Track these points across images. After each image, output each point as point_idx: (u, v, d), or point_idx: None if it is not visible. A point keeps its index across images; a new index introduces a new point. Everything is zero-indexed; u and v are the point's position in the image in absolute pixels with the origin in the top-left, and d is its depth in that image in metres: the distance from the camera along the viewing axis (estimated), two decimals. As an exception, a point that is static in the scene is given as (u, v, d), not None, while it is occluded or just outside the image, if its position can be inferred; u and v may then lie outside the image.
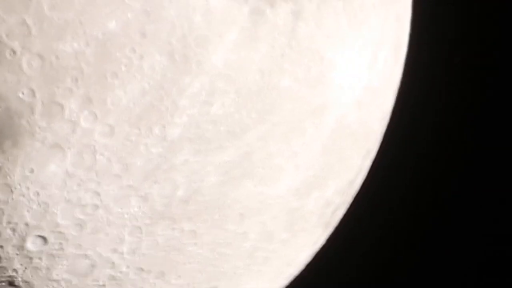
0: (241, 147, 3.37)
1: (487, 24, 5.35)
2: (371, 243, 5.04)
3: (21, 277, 3.33)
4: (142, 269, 3.45)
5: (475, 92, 5.32)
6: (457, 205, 5.54)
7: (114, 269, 3.42)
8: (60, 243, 3.27)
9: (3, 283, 3.33)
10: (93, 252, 3.34)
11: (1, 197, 3.15)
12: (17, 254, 3.26)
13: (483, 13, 5.33)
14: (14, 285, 3.34)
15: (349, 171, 3.85)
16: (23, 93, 3.05)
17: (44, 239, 3.24)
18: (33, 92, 3.05)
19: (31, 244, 3.24)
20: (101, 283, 3.43)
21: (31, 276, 3.33)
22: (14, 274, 3.31)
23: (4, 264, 3.28)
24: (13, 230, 3.21)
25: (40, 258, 3.28)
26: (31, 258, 3.27)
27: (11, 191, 3.14)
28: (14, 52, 3.01)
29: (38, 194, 3.16)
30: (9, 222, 3.19)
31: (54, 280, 3.36)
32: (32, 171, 3.12)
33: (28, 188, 3.14)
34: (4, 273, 3.31)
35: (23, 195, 3.15)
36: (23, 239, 3.23)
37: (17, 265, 3.29)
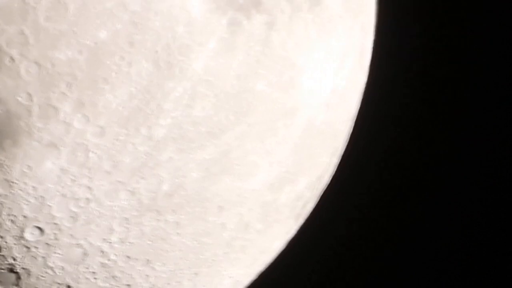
0: (220, 146, 3.39)
1: (445, 33, 5.30)
2: (339, 233, 5.00)
3: (20, 265, 3.32)
4: (129, 257, 3.45)
5: (434, 95, 5.25)
6: (418, 195, 5.47)
7: (104, 257, 3.41)
8: (55, 234, 3.28)
9: (4, 270, 3.33)
10: (85, 241, 3.34)
11: (1, 191, 3.16)
12: (16, 244, 3.27)
13: (441, 23, 5.27)
14: (14, 272, 3.33)
15: (318, 168, 3.84)
16: (21, 97, 3.07)
17: (40, 230, 3.25)
18: (30, 96, 3.07)
19: (29, 235, 3.25)
20: (92, 270, 3.42)
21: (29, 263, 3.33)
22: (13, 262, 3.31)
23: (4, 253, 3.28)
24: (12, 221, 3.22)
25: (37, 247, 3.29)
26: (28, 248, 3.28)
27: (11, 186, 3.15)
28: (13, 60, 3.02)
29: (35, 188, 3.17)
30: (8, 215, 3.20)
31: (50, 267, 3.35)
32: (29, 168, 3.13)
33: (26, 184, 3.16)
34: (4, 261, 3.31)
35: (22, 190, 3.17)
36: (22, 230, 3.24)
37: (16, 254, 3.29)
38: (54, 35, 3.06)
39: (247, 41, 3.32)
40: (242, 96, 3.37)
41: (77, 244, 3.34)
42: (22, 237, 3.27)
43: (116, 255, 3.43)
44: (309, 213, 4.04)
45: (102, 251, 3.40)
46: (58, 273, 3.39)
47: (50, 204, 3.23)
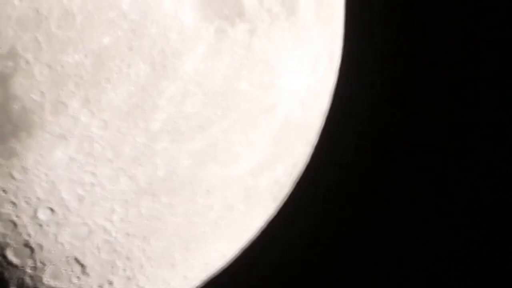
0: (208, 137, 3.39)
1: (409, 39, 5.22)
2: (312, 214, 4.96)
3: (34, 240, 3.30)
4: (128, 234, 3.43)
5: (394, 93, 5.21)
6: (386, 182, 5.41)
7: (106, 234, 3.39)
8: (64, 214, 3.27)
9: (20, 245, 3.29)
10: (91, 220, 3.33)
11: (17, 177, 3.15)
12: (30, 222, 3.26)
13: (407, 29, 5.20)
14: (29, 246, 3.31)
15: (293, 157, 3.82)
16: (35, 95, 3.07)
17: (52, 210, 3.25)
18: (43, 94, 3.08)
19: (42, 214, 3.25)
20: (96, 245, 3.40)
21: (42, 239, 3.31)
22: (28, 238, 3.29)
23: (20, 230, 3.26)
24: (27, 203, 3.21)
25: (48, 226, 3.28)
26: (41, 226, 3.27)
27: (26, 172, 3.15)
28: (28, 63, 3.04)
29: (47, 174, 3.17)
30: (24, 197, 3.19)
31: (60, 243, 3.33)
32: (42, 156, 3.14)
33: (39, 170, 3.16)
34: (20, 237, 3.28)
35: (35, 175, 3.16)
36: (35, 210, 3.24)
37: (30, 231, 3.28)
38: (64, 41, 3.06)
39: (231, 46, 3.33)
40: (227, 95, 3.37)
41: (84, 222, 3.33)
42: (35, 217, 3.26)
43: (117, 232, 3.40)
44: (285, 196, 3.99)
45: (105, 229, 3.38)
46: (67, 248, 3.36)
47: (60, 188, 3.22)
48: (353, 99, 4.77)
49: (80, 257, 3.41)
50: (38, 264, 3.38)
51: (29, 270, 3.38)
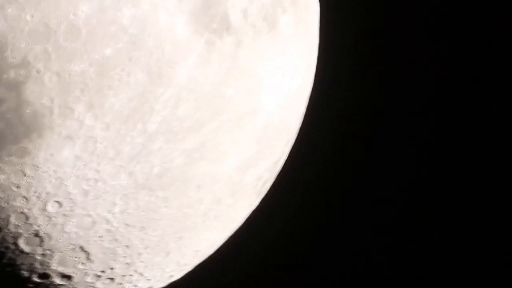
0: (198, 138, 3.38)
1: (378, 49, 5.18)
2: (291, 206, 4.93)
3: (43, 230, 3.30)
4: (128, 225, 3.43)
5: (365, 98, 5.17)
6: (356, 179, 5.36)
7: (108, 225, 3.39)
8: (71, 206, 3.27)
9: (31, 235, 3.29)
10: (94, 212, 3.33)
11: (29, 173, 3.14)
12: (40, 214, 3.25)
13: (376, 39, 5.17)
14: (38, 236, 3.30)
15: (274, 155, 3.81)
16: (45, 100, 3.06)
17: (59, 203, 3.25)
18: (52, 100, 3.07)
19: (50, 207, 3.25)
20: (99, 234, 3.40)
21: (50, 229, 3.31)
22: (38, 228, 3.29)
23: (31, 221, 3.26)
24: (37, 197, 3.21)
25: (56, 217, 3.28)
26: (50, 217, 3.27)
27: (36, 169, 3.14)
28: (39, 71, 3.03)
29: (55, 171, 3.17)
30: (35, 192, 3.19)
31: (66, 233, 3.33)
32: (51, 155, 3.14)
33: (48, 167, 3.16)
34: (31, 227, 3.27)
35: (45, 172, 3.16)
36: (45, 204, 3.23)
37: (40, 222, 3.27)
38: (70, 52, 3.05)
39: (219, 57, 3.32)
40: (215, 100, 3.36)
41: (88, 214, 3.32)
42: (45, 209, 3.25)
43: (118, 223, 3.40)
44: (267, 190, 3.97)
45: (107, 220, 3.37)
46: (72, 237, 3.36)
47: (66, 183, 3.21)
48: (327, 103, 4.74)
49: (84, 245, 3.40)
50: (47, 252, 3.36)
51: (39, 257, 3.37)
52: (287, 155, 3.99)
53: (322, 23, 3.95)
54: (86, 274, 3.51)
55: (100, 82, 3.11)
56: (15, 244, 3.31)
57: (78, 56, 3.05)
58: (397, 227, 5.38)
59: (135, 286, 3.73)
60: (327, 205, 5.23)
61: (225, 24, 3.33)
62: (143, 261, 3.61)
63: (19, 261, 3.36)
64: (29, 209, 3.23)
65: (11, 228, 3.26)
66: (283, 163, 3.99)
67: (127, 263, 3.57)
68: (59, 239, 3.34)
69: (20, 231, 3.28)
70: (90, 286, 3.57)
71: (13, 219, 3.24)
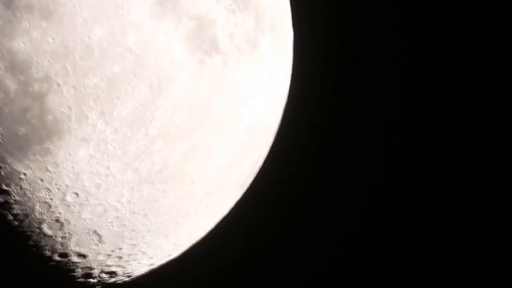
0: (192, 140, 3.37)
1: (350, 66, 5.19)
2: (270, 198, 4.89)
3: (63, 217, 3.30)
4: (134, 212, 3.41)
5: (334, 109, 5.12)
6: (332, 173, 5.24)
7: (117, 212, 3.38)
8: (86, 197, 3.28)
9: (53, 220, 3.29)
10: (106, 202, 3.33)
11: (51, 169, 3.17)
12: (61, 204, 3.26)
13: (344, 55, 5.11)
14: (59, 222, 3.31)
15: (255, 154, 3.79)
16: (64, 109, 3.09)
17: (76, 194, 3.26)
18: (70, 108, 3.10)
19: (69, 198, 3.26)
20: (110, 220, 3.39)
21: (69, 216, 3.31)
22: (59, 215, 3.29)
23: (53, 209, 3.27)
24: (58, 189, 3.22)
25: (74, 206, 3.29)
26: (69, 206, 3.28)
27: (57, 166, 3.17)
28: (59, 85, 3.06)
29: (73, 168, 3.19)
30: (56, 184, 3.21)
31: (83, 219, 3.33)
32: (69, 154, 3.16)
33: (67, 164, 3.18)
34: (53, 214, 3.28)
35: (64, 168, 3.18)
36: (64, 194, 3.25)
37: (60, 210, 3.28)
38: (85, 68, 3.07)
39: (209, 73, 3.33)
40: (206, 108, 3.36)
41: (100, 203, 3.32)
42: (64, 199, 3.26)
43: (125, 210, 3.38)
44: (250, 183, 3.95)
45: (117, 208, 3.36)
46: (87, 222, 3.35)
47: (82, 177, 3.22)
48: (300, 112, 4.73)
49: (97, 230, 3.39)
50: (66, 235, 3.36)
51: (59, 239, 3.37)
52: (267, 154, 3.98)
53: (296, 43, 3.93)
54: (98, 253, 3.48)
55: (110, 93, 3.12)
56: (40, 228, 3.31)
57: (91, 72, 3.08)
58: (374, 215, 5.25)
59: (139, 263, 3.70)
60: (302, 195, 5.18)
61: (214, 45, 3.33)
62: (146, 242, 3.58)
63: (42, 243, 3.35)
64: (51, 199, 3.24)
65: (37, 214, 3.26)
66: (263, 161, 3.98)
67: (133, 244, 3.55)
68: (76, 224, 3.34)
69: (44, 217, 3.28)
70: (102, 263, 3.54)
71: (38, 207, 3.25)
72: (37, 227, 3.31)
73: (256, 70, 3.55)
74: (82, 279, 3.57)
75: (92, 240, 3.42)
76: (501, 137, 5.16)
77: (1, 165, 3.10)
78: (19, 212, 3.24)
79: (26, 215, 3.26)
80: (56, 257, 3.44)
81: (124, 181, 3.30)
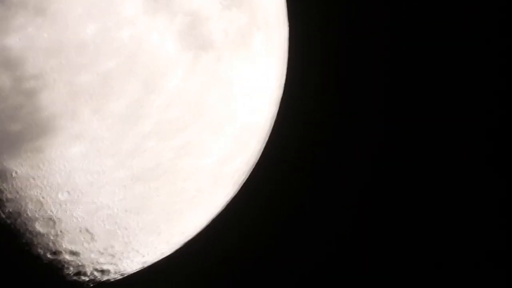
0: (185, 137, 3.36)
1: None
2: (263, 194, 4.89)
3: (55, 215, 3.29)
4: (126, 210, 3.40)
5: (327, 105, 5.11)
6: (323, 169, 5.23)
7: (110, 210, 3.36)
8: (78, 195, 3.26)
9: (45, 219, 3.28)
10: (98, 200, 3.31)
11: (44, 167, 3.14)
12: (53, 202, 3.24)
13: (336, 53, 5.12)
14: (51, 220, 3.29)
15: (248, 152, 3.79)
16: (57, 105, 3.06)
17: (68, 192, 3.23)
18: (65, 104, 3.06)
19: (61, 196, 3.24)
20: (102, 218, 3.37)
21: (61, 214, 3.29)
22: (51, 213, 3.28)
23: (46, 207, 3.25)
24: (51, 187, 3.20)
25: (66, 204, 3.26)
26: (61, 204, 3.26)
27: (50, 163, 3.14)
28: (55, 80, 3.03)
29: (65, 165, 3.17)
30: (48, 182, 3.18)
31: (75, 217, 3.31)
32: (62, 152, 3.13)
33: (60, 162, 3.15)
34: (46, 213, 3.27)
35: (57, 166, 3.15)
36: (57, 192, 3.22)
37: (53, 208, 3.26)
38: (79, 65, 3.06)
39: (203, 69, 3.32)
40: (200, 105, 3.35)
41: (92, 202, 3.30)
42: (57, 197, 3.23)
43: (117, 208, 3.37)
44: (243, 180, 3.94)
45: (109, 206, 3.34)
46: (80, 221, 3.33)
47: (75, 175, 3.19)
48: (293, 109, 4.72)
49: (89, 228, 3.38)
50: (59, 233, 3.34)
51: (52, 237, 3.35)
52: (259, 151, 3.98)
53: (290, 39, 3.94)
54: (91, 251, 3.47)
55: (103, 90, 3.10)
56: (32, 226, 3.29)
57: (85, 68, 3.06)
58: (368, 212, 5.27)
59: (132, 261, 3.70)
60: (295, 192, 5.18)
61: (208, 42, 3.32)
62: (138, 241, 3.56)
63: (35, 241, 3.33)
64: (43, 197, 3.22)
65: (29, 213, 3.24)
66: (256, 158, 3.97)
67: (125, 242, 3.53)
68: (69, 222, 3.32)
69: (36, 215, 3.26)
70: (94, 261, 3.53)
71: (30, 206, 3.23)
72: (29, 225, 3.30)
73: (249, 66, 3.54)
74: (74, 277, 3.57)
75: (85, 238, 3.40)
76: (501, 137, 5.22)
77: (-7, 162, 3.10)
78: (11, 210, 3.23)
79: (19, 214, 3.25)
80: (49, 255, 3.42)
81: (116, 179, 3.28)
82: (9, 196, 3.18)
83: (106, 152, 3.21)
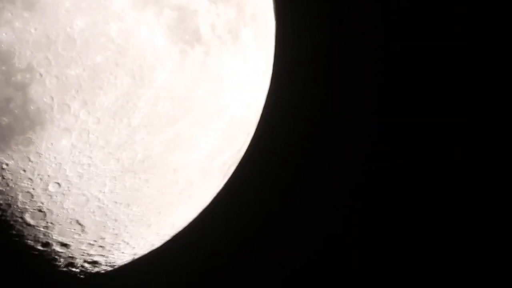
0: (174, 130, 3.36)
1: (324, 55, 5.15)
2: (252, 187, 4.87)
3: (45, 207, 3.29)
4: (116, 202, 3.41)
5: (314, 100, 5.11)
6: (311, 163, 5.21)
7: (100, 202, 3.37)
8: (68, 187, 3.26)
9: (35, 210, 3.28)
10: (88, 192, 3.31)
11: (34, 159, 3.14)
12: (43, 193, 3.24)
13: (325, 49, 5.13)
14: (41, 211, 3.29)
15: (237, 144, 3.79)
16: (46, 99, 3.07)
17: (58, 184, 3.24)
18: (52, 98, 3.08)
19: (51, 187, 3.24)
20: (92, 210, 3.38)
21: (51, 206, 3.30)
22: (41, 205, 3.28)
23: (35, 199, 3.25)
24: (41, 179, 3.20)
25: (56, 196, 3.26)
26: (51, 196, 3.26)
27: (39, 156, 3.15)
28: (41, 75, 3.04)
29: (55, 158, 3.17)
30: (38, 174, 3.19)
31: (65, 209, 3.31)
32: (52, 144, 3.14)
33: (49, 154, 3.15)
34: (36, 204, 3.27)
35: (47, 158, 3.16)
36: (47, 184, 3.22)
37: (43, 200, 3.27)
38: (67, 58, 3.06)
39: (191, 63, 3.32)
40: (188, 99, 3.34)
41: (82, 193, 3.30)
42: (47, 189, 3.24)
43: (107, 200, 3.37)
44: (231, 173, 3.94)
45: (99, 198, 3.35)
46: (70, 212, 3.34)
47: (65, 167, 3.20)
48: (281, 103, 4.72)
49: (80, 219, 3.38)
50: (49, 225, 3.35)
51: (42, 229, 3.35)
52: (248, 144, 3.98)
53: (278, 33, 3.95)
54: (81, 243, 3.47)
55: (92, 83, 3.11)
56: (22, 218, 3.29)
57: (73, 62, 3.06)
58: (357, 207, 5.25)
59: (122, 252, 3.71)
60: (284, 185, 5.18)
61: (196, 36, 3.33)
62: (128, 232, 3.57)
63: (25, 232, 3.33)
64: (34, 189, 3.22)
65: (19, 204, 3.25)
66: (245, 150, 3.97)
67: (115, 234, 3.53)
68: (59, 214, 3.32)
69: (26, 207, 3.26)
70: (85, 252, 3.54)
71: (20, 197, 3.23)
72: (19, 217, 3.30)
73: (238, 60, 3.54)
74: (65, 269, 3.57)
75: (75, 229, 3.41)
76: (491, 135, 5.22)
77: (-17, 155, 3.10)
78: (1, 202, 3.23)
79: (9, 205, 3.25)
80: (39, 247, 3.42)
81: (106, 171, 3.29)
82: (-1, 188, 3.18)
83: (96, 145, 3.21)
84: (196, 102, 3.38)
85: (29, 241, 3.37)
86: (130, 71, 3.16)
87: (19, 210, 3.27)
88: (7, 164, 3.12)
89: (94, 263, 3.63)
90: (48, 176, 3.20)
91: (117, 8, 3.11)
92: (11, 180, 3.16)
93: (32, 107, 3.05)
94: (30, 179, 3.19)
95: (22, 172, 3.16)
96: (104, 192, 3.34)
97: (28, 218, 3.31)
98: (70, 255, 3.49)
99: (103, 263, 3.67)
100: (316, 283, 5.18)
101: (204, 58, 3.36)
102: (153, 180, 3.43)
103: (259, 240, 5.09)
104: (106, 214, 3.43)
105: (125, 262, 3.80)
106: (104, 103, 3.15)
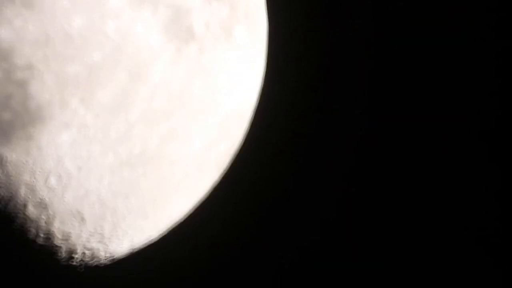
0: (170, 124, 3.39)
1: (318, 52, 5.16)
2: (246, 178, 4.88)
3: (46, 198, 3.30)
4: (115, 194, 3.42)
5: (307, 96, 5.11)
6: (305, 155, 5.19)
7: (99, 194, 3.37)
8: (68, 179, 3.27)
9: (37, 202, 3.30)
10: (87, 184, 3.32)
11: (35, 153, 3.17)
12: (44, 186, 3.26)
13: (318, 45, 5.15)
14: (43, 203, 3.31)
15: (232, 138, 3.82)
16: (46, 95, 3.09)
17: (59, 176, 3.25)
18: (52, 94, 3.09)
19: (52, 180, 3.26)
20: (91, 202, 3.38)
21: (52, 198, 3.31)
22: (42, 196, 3.30)
23: (37, 192, 3.27)
24: (42, 172, 3.23)
25: (57, 188, 3.28)
26: (51, 188, 3.28)
27: (40, 150, 3.18)
28: (41, 71, 3.06)
29: (55, 151, 3.19)
30: (39, 167, 3.22)
31: (65, 200, 3.33)
32: (52, 138, 3.16)
33: (50, 148, 3.18)
34: (37, 196, 3.28)
35: (47, 152, 3.18)
36: (48, 177, 3.24)
37: (44, 192, 3.28)
38: (66, 56, 3.08)
39: (186, 60, 3.34)
40: (184, 94, 3.36)
41: (82, 186, 3.30)
42: (48, 182, 3.26)
43: (106, 192, 3.38)
44: (227, 166, 3.92)
45: (98, 190, 3.35)
46: (70, 204, 3.34)
47: (64, 160, 3.21)
48: (274, 98, 4.75)
49: (80, 210, 3.39)
50: (50, 215, 3.35)
51: (43, 221, 3.37)
52: (242, 138, 3.99)
53: (270, 31, 3.97)
54: (81, 233, 3.47)
55: (90, 80, 3.13)
56: (24, 210, 3.31)
57: (72, 59, 3.08)
58: (352, 196, 5.22)
59: (121, 244, 3.72)
60: (278, 175, 5.20)
61: (190, 33, 3.35)
62: (127, 223, 3.57)
63: (28, 223, 3.34)
64: (35, 182, 3.24)
65: (21, 197, 3.27)
66: (239, 145, 3.99)
67: (114, 225, 3.54)
68: (59, 205, 3.33)
69: (28, 199, 3.29)
70: (85, 244, 3.56)
71: (22, 190, 3.25)
72: (22, 209, 3.33)
73: (231, 57, 3.55)
74: (66, 261, 3.60)
75: (75, 221, 3.42)
76: (485, 134, 5.24)
77: (-14, 149, 3.17)
78: (3, 194, 3.26)
79: (10, 198, 3.29)
80: (40, 239, 3.46)
81: (105, 164, 3.29)
82: (1, 181, 3.20)
83: (95, 139, 3.22)
84: (192, 97, 3.40)
85: (31, 233, 3.39)
86: (127, 67, 3.18)
87: (21, 202, 3.28)
88: (8, 158, 3.16)
89: (94, 255, 3.65)
90: (49, 169, 3.22)
91: (114, 5, 3.13)
92: (13, 173, 3.20)
93: (32, 103, 3.08)
94: (32, 172, 3.22)
95: (23, 165, 3.19)
96: (103, 185, 3.35)
97: (30, 210, 3.32)
98: (71, 246, 3.49)
99: (102, 255, 3.68)
100: (313, 272, 5.18)
101: (199, 55, 3.38)
102: (150, 172, 3.44)
103: (255, 230, 5.10)
104: (105, 205, 3.44)
105: (124, 255, 3.79)
106: (102, 99, 3.17)
